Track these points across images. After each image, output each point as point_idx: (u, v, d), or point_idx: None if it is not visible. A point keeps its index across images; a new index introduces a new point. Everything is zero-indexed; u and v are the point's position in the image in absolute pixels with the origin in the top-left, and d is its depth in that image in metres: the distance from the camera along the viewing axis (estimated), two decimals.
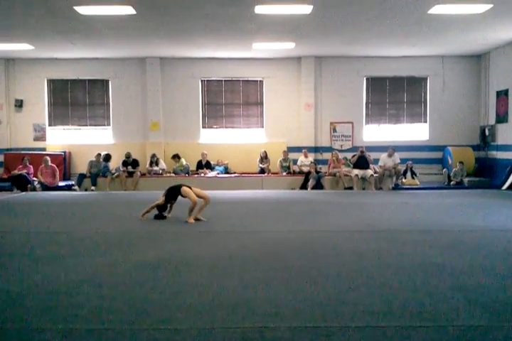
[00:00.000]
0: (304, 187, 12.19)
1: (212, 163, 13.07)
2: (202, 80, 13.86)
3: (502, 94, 12.58)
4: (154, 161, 12.79)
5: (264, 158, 13.03)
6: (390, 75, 13.81)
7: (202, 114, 13.91)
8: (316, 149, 13.56)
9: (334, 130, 13.76)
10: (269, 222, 7.05)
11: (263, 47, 12.17)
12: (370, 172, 11.87)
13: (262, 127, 13.95)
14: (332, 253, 4.90)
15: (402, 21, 9.92)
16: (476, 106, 13.75)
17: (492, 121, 13.05)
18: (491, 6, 8.69)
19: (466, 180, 12.23)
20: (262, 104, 13.94)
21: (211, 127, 13.99)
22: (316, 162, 12.72)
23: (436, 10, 8.98)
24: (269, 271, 4.19)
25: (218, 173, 12.80)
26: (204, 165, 12.94)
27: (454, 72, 13.73)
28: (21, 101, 13.55)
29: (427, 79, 13.84)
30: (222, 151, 13.48)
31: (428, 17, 9.48)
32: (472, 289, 3.64)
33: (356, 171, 11.96)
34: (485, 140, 13.26)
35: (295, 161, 12.96)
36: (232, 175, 12.84)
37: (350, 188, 11.91)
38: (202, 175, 12.62)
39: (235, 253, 4.88)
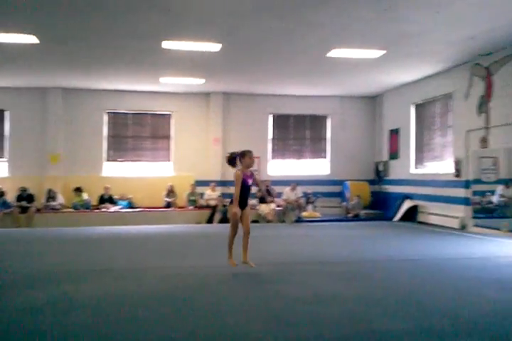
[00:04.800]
0: (210, 221, 12.19)
1: (115, 197, 12.68)
2: (108, 112, 13.62)
3: (394, 133, 13.68)
4: (51, 196, 12.15)
5: (171, 191, 12.91)
6: (294, 113, 14.50)
7: (107, 147, 13.60)
8: (223, 183, 13.70)
9: None
10: (170, 257, 6.95)
11: (171, 82, 12.28)
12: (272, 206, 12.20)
13: (170, 161, 13.90)
14: (226, 288, 4.93)
15: (304, 62, 10.53)
16: (372, 143, 14.79)
17: (385, 157, 14.09)
18: (384, 52, 9.53)
19: (362, 212, 12.96)
20: (169, 137, 13.94)
21: (115, 160, 13.68)
22: (223, 196, 12.84)
23: (334, 53, 9.65)
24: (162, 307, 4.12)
25: (121, 208, 12.43)
26: (106, 199, 12.52)
27: (352, 111, 14.74)
28: None
29: (327, 117, 14.71)
30: (127, 185, 13.15)
31: (327, 60, 10.15)
32: (360, 318, 3.83)
33: (263, 205, 12.22)
34: (379, 175, 14.25)
35: (202, 195, 12.98)
36: (137, 209, 12.54)
37: (256, 221, 12.11)
38: (104, 209, 12.19)
39: (128, 292, 4.74)
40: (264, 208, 12.21)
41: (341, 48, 9.38)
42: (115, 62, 10.55)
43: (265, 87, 13.34)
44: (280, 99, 14.26)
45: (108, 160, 13.60)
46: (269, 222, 12.00)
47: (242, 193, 5.66)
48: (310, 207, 12.91)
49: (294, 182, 12.67)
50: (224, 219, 11.99)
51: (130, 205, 12.67)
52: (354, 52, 9.62)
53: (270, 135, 14.41)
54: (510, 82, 9.21)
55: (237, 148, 13.68)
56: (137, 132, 13.86)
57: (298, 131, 14.65)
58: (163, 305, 4.20)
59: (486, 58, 9.81)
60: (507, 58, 9.29)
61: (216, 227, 11.36)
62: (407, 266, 6.20)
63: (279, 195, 12.64)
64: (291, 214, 12.23)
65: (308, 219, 12.39)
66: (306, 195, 12.96)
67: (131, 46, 9.23)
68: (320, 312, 3.96)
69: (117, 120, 13.75)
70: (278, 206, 12.34)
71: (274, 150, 14.45)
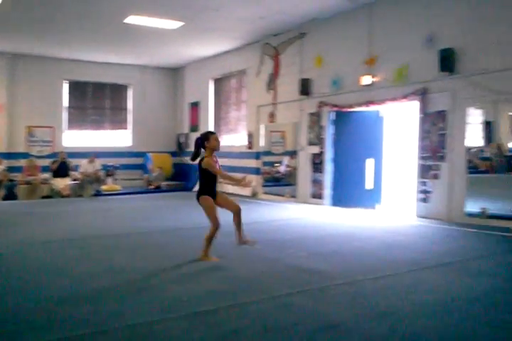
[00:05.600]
0: None
1: None
2: None
3: (194, 106, 13.98)
4: None
5: None
6: (92, 80, 13.68)
7: None
8: (10, 155, 12.31)
9: (31, 135, 12.79)
10: None
11: None
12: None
13: None
14: (19, 268, 4.53)
15: (101, 27, 9.94)
16: (173, 115, 14.90)
17: (186, 129, 14.37)
18: (183, 23, 9.53)
19: (164, 184, 13.09)
20: None
21: None
22: (9, 169, 11.56)
23: (131, 20, 9.31)
24: None
25: None
26: None
27: (154, 82, 14.54)
28: None
29: (128, 87, 14.25)
30: None
31: (125, 26, 9.74)
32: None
33: (58, 179, 11.39)
34: (180, 147, 14.51)
35: None
36: None
37: (49, 197, 11.27)
38: None
39: None
40: (59, 182, 11.40)
41: (138, 15, 9.11)
42: None
43: (60, 51, 12.23)
44: (77, 65, 13.27)
45: None
46: (64, 197, 11.27)
47: (211, 181, 4.87)
48: (110, 179, 12.50)
49: (93, 154, 12.07)
50: (10, 196, 10.85)
51: None
52: (151, 21, 9.44)
53: (66, 103, 13.38)
54: (294, 61, 10.17)
55: (26, 116, 12.75)
56: None
57: (97, 100, 13.90)
58: None
59: (275, 38, 10.61)
60: (292, 39, 10.19)
61: (2, 204, 10.22)
62: (201, 233, 6.49)
63: (76, 167, 11.93)
64: (89, 187, 11.67)
65: (108, 193, 12.00)
66: (105, 167, 12.50)
67: None
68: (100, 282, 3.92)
69: None
70: (74, 179, 11.65)
71: (70, 120, 13.47)
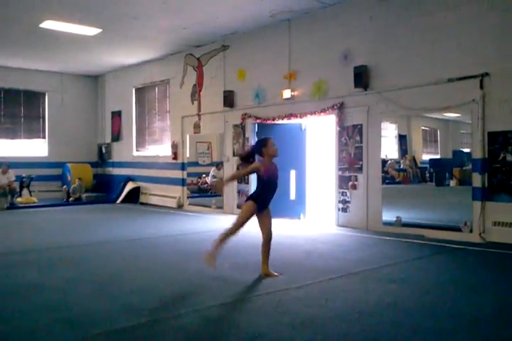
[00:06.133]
0: None
1: None
2: None
3: (116, 115, 13.63)
4: None
5: None
6: (5, 87, 12.94)
7: None
8: None
9: None
10: None
11: None
12: None
13: None
14: None
15: (15, 31, 9.48)
16: (94, 124, 14.43)
17: (108, 139, 13.96)
18: (100, 30, 9.30)
19: (84, 195, 12.61)
20: None
21: None
22: None
23: (48, 25, 8.98)
24: None
25: None
26: None
27: (73, 90, 14.03)
28: None
29: (45, 94, 13.63)
30: None
31: (42, 31, 9.37)
32: None
33: None
34: (102, 157, 14.07)
35: None
36: None
37: None
38: None
39: None
40: None
41: (55, 20, 8.82)
42: None
43: None
44: None
45: None
46: None
47: (266, 190, 4.53)
48: (25, 191, 11.84)
49: (5, 165, 11.38)
50: None
51: None
52: (69, 27, 9.17)
53: None
54: (218, 73, 10.26)
55: None
56: None
57: (10, 108, 13.16)
58: None
59: (198, 49, 10.68)
60: (215, 51, 10.30)
61: None
62: (123, 247, 6.34)
63: None
64: (2, 200, 10.98)
65: (23, 205, 11.37)
66: (20, 178, 11.83)
67: None
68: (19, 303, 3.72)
69: None
70: None
71: None
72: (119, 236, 7.18)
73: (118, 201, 12.45)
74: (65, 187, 12.86)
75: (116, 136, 13.57)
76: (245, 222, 4.52)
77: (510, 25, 6.11)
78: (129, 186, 12.53)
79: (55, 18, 8.71)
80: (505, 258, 5.54)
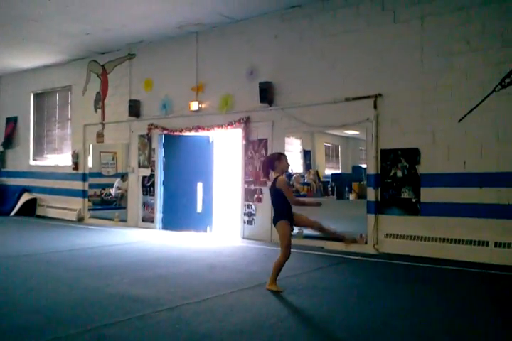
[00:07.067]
0: None
1: None
2: None
3: (11, 121, 12.73)
4: None
5: None
6: None
7: None
8: None
9: None
10: None
11: None
12: None
13: None
14: None
15: None
16: None
17: (1, 147, 12.97)
18: None
19: None
20: None
21: None
22: None
23: None
24: None
25: None
26: None
27: None
28: None
29: None
30: None
31: None
32: None
33: None
34: None
35: None
36: None
37: None
38: None
39: None
40: None
41: None
42: None
43: None
44: None
45: None
46: None
47: (287, 202, 4.56)
48: None
49: None
50: None
51: None
52: None
53: None
54: (123, 82, 10.00)
55: None
56: None
57: None
58: None
59: (103, 56, 10.34)
60: (121, 59, 10.05)
61: None
62: (11, 264, 5.89)
63: None
64: None
65: None
66: None
67: None
68: None
69: None
70: None
71: None
72: (9, 252, 6.67)
73: (12, 213, 11.57)
74: None
75: (10, 144, 12.62)
76: (290, 242, 4.57)
77: (400, 50, 6.62)
78: (25, 198, 11.71)
79: None
80: (396, 269, 5.91)
